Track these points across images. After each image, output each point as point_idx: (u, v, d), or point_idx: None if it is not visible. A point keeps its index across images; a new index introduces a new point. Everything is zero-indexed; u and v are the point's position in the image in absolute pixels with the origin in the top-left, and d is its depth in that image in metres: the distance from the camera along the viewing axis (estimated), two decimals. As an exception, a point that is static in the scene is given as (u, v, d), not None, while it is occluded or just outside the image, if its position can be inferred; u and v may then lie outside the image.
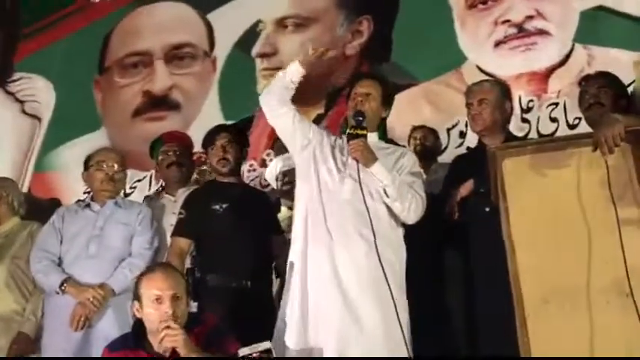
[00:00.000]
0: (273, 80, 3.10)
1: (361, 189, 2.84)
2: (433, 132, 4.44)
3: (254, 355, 2.32)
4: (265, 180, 4.62)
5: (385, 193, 2.89)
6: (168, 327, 2.46)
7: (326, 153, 3.02)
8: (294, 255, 2.95)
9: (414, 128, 4.42)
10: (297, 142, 3.05)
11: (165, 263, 2.88)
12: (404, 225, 3.01)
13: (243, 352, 2.31)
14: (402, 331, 2.73)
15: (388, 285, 2.74)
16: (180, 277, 2.67)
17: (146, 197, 4.18)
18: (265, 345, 2.37)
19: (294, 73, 3.01)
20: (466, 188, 3.09)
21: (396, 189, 2.89)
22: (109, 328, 3.25)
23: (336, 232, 2.87)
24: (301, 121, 3.07)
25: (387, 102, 3.13)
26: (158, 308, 2.52)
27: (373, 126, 3.06)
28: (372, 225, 2.80)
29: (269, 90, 3.08)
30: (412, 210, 2.93)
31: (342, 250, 2.85)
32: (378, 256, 2.77)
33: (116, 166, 3.56)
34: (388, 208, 2.93)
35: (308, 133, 3.05)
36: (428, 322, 3.14)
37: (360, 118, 2.91)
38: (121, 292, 3.31)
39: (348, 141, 2.88)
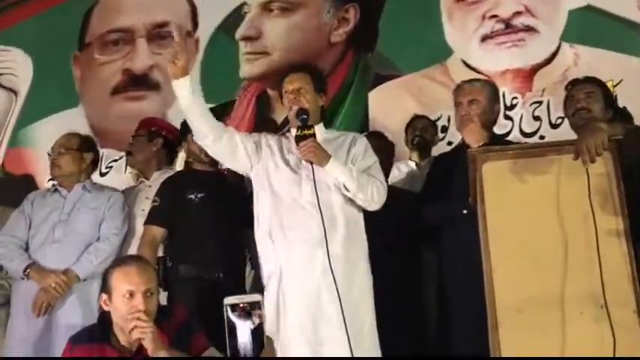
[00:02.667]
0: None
1: (316, 192, 2.76)
2: (433, 125, 4.42)
3: (241, 304, 2.23)
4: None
5: (345, 188, 2.83)
6: (139, 318, 2.41)
7: (277, 161, 2.95)
8: (268, 271, 2.87)
9: (415, 117, 4.38)
10: (250, 163, 2.96)
11: (140, 257, 2.81)
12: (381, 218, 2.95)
13: (230, 301, 2.23)
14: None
15: (338, 294, 2.68)
16: (153, 271, 2.61)
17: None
18: (254, 297, 2.28)
19: (180, 94, 2.84)
20: None
21: (355, 182, 2.83)
22: (71, 315, 3.21)
23: (300, 236, 2.81)
24: (246, 139, 2.96)
25: (321, 89, 3.03)
26: (129, 303, 2.46)
27: (316, 118, 2.97)
28: (324, 226, 2.73)
29: (191, 126, 2.95)
30: (375, 198, 2.89)
31: (310, 253, 2.79)
32: (329, 257, 2.72)
33: (62, 150, 3.49)
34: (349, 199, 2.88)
35: (259, 152, 2.96)
36: (403, 321, 3.13)
37: (305, 117, 2.84)
38: (86, 278, 3.26)
39: (297, 143, 2.81)
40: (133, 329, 2.43)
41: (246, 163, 2.95)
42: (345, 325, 2.63)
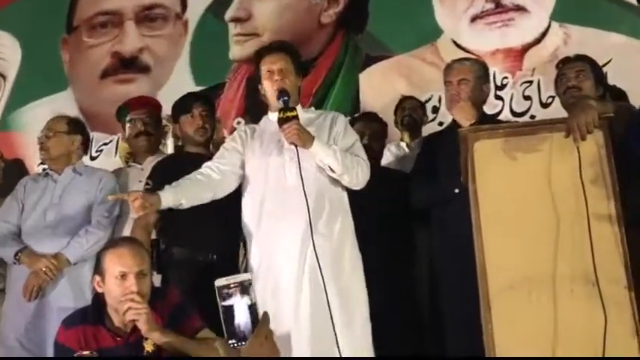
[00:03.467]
0: None
1: (301, 175, 2.76)
2: (421, 104, 4.43)
3: (231, 284, 2.23)
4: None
5: (331, 169, 2.83)
6: (132, 300, 2.42)
7: (259, 147, 2.96)
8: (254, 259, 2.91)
9: (404, 98, 4.39)
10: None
11: (132, 238, 2.81)
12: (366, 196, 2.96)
13: (221, 282, 2.23)
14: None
15: (321, 275, 2.70)
16: (146, 253, 2.61)
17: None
18: (245, 276, 2.28)
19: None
20: None
21: (340, 163, 2.82)
22: (63, 298, 3.22)
23: (286, 220, 2.82)
24: (230, 161, 2.98)
25: (300, 69, 3.02)
26: (122, 284, 2.46)
27: (296, 100, 2.96)
28: (309, 211, 2.74)
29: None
30: (359, 177, 2.90)
31: (295, 237, 2.80)
32: (314, 245, 2.74)
33: (50, 133, 3.47)
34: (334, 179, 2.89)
35: (240, 157, 2.99)
36: (394, 302, 3.15)
37: (286, 98, 2.82)
38: (77, 262, 3.26)
39: (280, 125, 2.79)
40: (127, 311, 2.43)
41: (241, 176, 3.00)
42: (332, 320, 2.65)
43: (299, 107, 2.97)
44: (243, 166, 2.99)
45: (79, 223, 3.35)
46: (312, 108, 3.43)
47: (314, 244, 2.73)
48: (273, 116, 2.97)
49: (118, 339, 2.49)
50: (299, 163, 2.76)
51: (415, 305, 3.40)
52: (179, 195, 2.87)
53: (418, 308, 3.40)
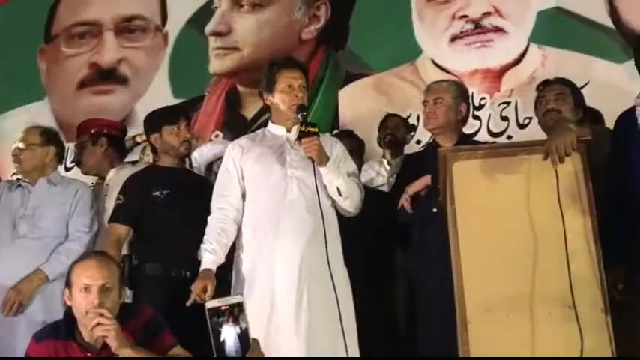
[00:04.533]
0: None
1: (316, 186, 2.77)
2: (405, 122, 4.43)
3: (223, 307, 2.18)
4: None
5: (339, 192, 2.83)
6: (101, 315, 2.37)
7: (258, 169, 2.91)
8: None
9: (388, 116, 4.38)
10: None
11: (100, 251, 2.76)
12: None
13: (212, 304, 2.19)
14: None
15: (334, 288, 2.69)
16: (114, 267, 2.55)
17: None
18: (237, 298, 2.24)
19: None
20: (421, 183, 3.05)
21: (348, 187, 2.84)
22: (34, 312, 3.18)
23: (288, 232, 2.80)
24: (238, 194, 2.91)
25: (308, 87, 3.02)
26: (86, 297, 2.42)
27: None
28: (324, 224, 2.74)
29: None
30: (357, 205, 2.91)
31: (292, 252, 2.78)
32: (327, 260, 2.73)
33: (22, 145, 3.44)
34: (332, 200, 2.88)
35: (240, 187, 2.93)
36: (373, 321, 3.13)
37: (305, 113, 2.82)
38: (56, 278, 3.21)
39: (299, 139, 2.77)
40: (95, 326, 2.39)
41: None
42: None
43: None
44: (244, 192, 2.94)
45: (54, 235, 3.31)
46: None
47: (328, 254, 2.72)
48: (277, 129, 2.95)
49: (89, 354, 2.44)
50: (315, 178, 2.77)
51: (393, 324, 3.39)
52: (221, 256, 2.84)
53: (396, 327, 3.39)
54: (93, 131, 3.88)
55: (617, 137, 2.68)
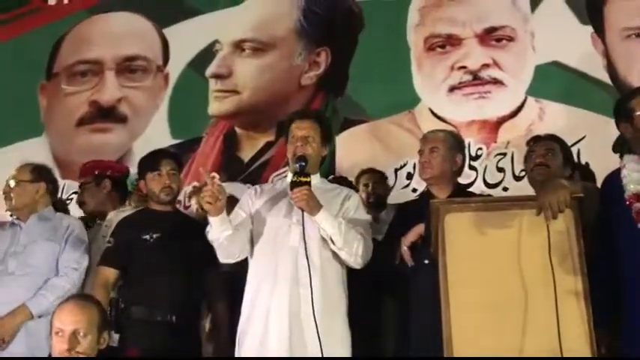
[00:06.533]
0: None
1: (304, 240, 2.78)
2: (382, 175, 4.33)
3: None
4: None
5: (332, 241, 2.83)
6: None
7: (269, 205, 2.95)
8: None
9: (362, 172, 4.28)
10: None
11: (85, 296, 2.73)
12: (348, 268, 2.95)
13: None
14: None
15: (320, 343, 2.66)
16: (92, 312, 2.48)
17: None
18: None
19: (215, 230, 2.82)
20: (415, 233, 3.03)
21: (343, 236, 2.82)
22: (18, 351, 3.13)
23: (284, 278, 2.80)
24: (244, 231, 2.93)
25: (327, 140, 3.06)
26: (58, 342, 2.40)
27: (315, 168, 3.00)
28: (310, 276, 2.74)
29: (218, 249, 2.91)
30: (359, 255, 2.88)
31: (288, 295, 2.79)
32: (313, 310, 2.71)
33: (13, 182, 3.44)
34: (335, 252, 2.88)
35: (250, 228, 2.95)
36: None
37: (303, 164, 2.84)
38: (41, 315, 3.17)
39: (291, 189, 2.79)
40: None
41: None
42: None
43: (317, 176, 3.01)
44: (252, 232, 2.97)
45: (44, 272, 3.29)
46: (327, 181, 3.37)
47: (313, 309, 2.70)
48: (289, 177, 2.99)
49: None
50: (303, 227, 2.77)
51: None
52: (229, 224, 2.82)
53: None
54: (97, 172, 3.92)
55: (603, 199, 2.67)
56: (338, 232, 2.82)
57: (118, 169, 4.01)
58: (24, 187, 3.44)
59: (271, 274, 2.83)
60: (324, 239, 2.85)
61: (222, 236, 2.80)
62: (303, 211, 2.78)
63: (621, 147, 2.87)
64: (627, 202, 2.52)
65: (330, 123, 3.21)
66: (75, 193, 5.46)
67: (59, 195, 4.48)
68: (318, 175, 3.04)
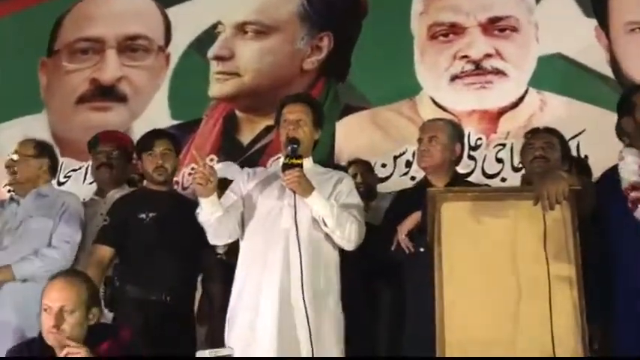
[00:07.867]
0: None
1: (295, 222, 2.78)
2: (369, 165, 4.28)
3: (212, 358, 2.17)
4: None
5: (324, 223, 2.83)
6: (68, 345, 2.34)
7: (262, 187, 2.96)
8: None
9: (349, 163, 4.22)
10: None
11: (75, 272, 2.72)
12: (341, 251, 2.96)
13: (203, 354, 2.17)
14: None
15: (309, 327, 2.67)
16: (80, 289, 2.48)
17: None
18: (227, 350, 2.23)
19: (208, 210, 2.82)
20: (412, 221, 3.03)
21: (335, 219, 2.84)
22: (9, 315, 3.16)
23: (275, 260, 2.81)
24: (235, 213, 2.93)
25: (319, 124, 3.06)
26: (46, 318, 2.41)
27: (307, 151, 3.00)
28: (300, 258, 2.74)
29: (208, 231, 2.92)
30: (352, 237, 2.89)
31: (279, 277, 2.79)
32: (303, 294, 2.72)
33: (17, 156, 3.44)
34: (327, 235, 2.88)
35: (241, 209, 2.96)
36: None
37: (295, 146, 2.84)
38: (24, 279, 3.20)
39: (283, 171, 2.81)
40: (66, 354, 2.36)
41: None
42: None
43: (309, 160, 3.02)
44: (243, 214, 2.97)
45: (36, 246, 3.29)
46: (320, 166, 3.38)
47: (303, 292, 2.72)
48: (281, 160, 2.99)
49: (62, 376, 2.41)
50: (295, 209, 2.78)
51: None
52: (219, 206, 2.83)
53: None
54: (129, 148, 3.77)
55: (599, 195, 2.67)
56: (330, 213, 2.83)
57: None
58: (28, 161, 3.46)
59: (262, 256, 2.84)
60: (316, 222, 2.86)
61: (213, 218, 2.81)
62: (295, 193, 2.79)
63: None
64: (624, 193, 2.52)
65: (322, 107, 3.19)
66: (74, 170, 5.51)
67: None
68: (310, 159, 3.04)
